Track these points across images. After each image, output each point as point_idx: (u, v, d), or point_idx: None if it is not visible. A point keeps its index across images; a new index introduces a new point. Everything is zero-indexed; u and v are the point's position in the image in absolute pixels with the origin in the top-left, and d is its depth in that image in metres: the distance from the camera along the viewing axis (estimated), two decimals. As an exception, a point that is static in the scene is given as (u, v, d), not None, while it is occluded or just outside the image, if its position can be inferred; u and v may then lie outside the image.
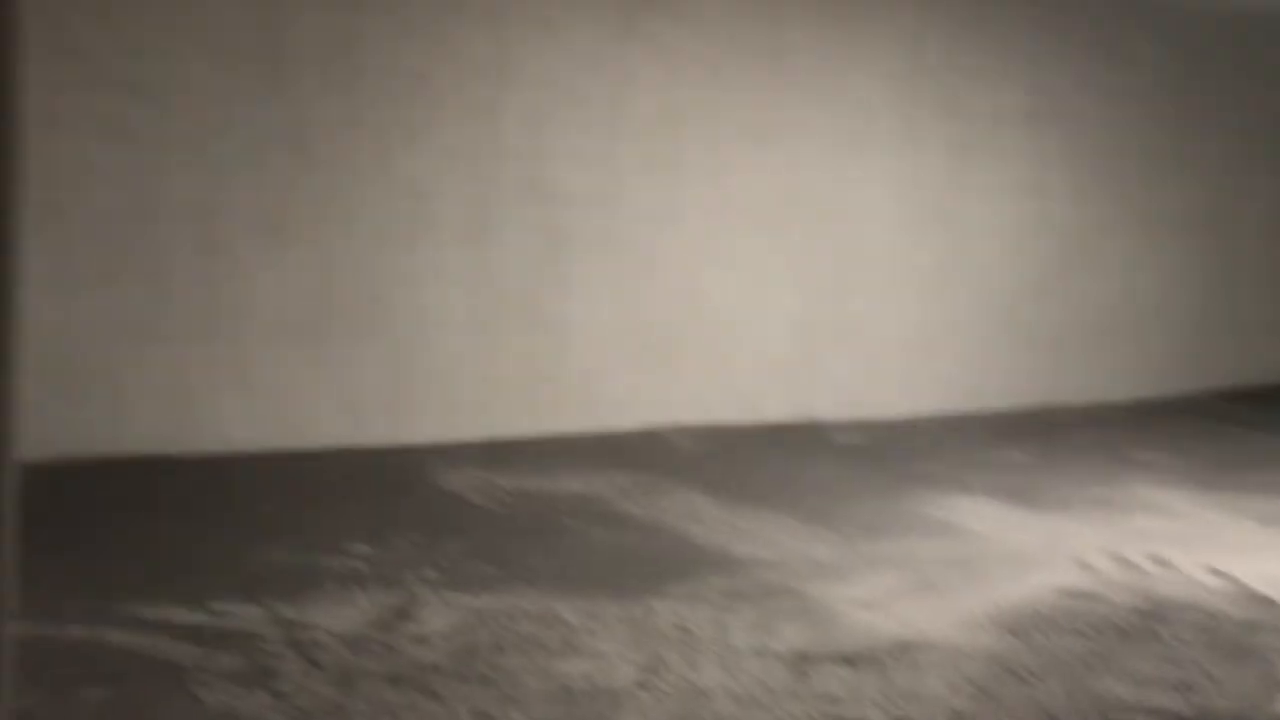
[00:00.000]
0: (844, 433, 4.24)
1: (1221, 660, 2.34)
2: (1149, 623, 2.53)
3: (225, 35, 3.42)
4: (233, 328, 3.50)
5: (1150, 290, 5.18)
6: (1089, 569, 2.88)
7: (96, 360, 3.35)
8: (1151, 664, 2.31)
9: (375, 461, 3.58)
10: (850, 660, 2.26)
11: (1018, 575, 2.82)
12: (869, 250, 4.48)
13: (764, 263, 4.26)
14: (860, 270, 4.46)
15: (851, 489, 3.54)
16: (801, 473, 3.72)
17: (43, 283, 3.21)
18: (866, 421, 4.38)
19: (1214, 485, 3.74)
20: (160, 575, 2.56)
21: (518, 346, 3.87)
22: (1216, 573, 2.86)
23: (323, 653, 2.19)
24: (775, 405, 4.29)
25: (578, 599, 2.51)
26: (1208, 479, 3.81)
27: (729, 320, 4.22)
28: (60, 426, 3.23)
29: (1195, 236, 5.28)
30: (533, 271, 3.87)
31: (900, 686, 2.16)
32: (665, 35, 4.00)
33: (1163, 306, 5.22)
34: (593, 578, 2.67)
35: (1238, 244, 5.42)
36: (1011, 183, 4.76)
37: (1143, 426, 4.64)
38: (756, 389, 4.27)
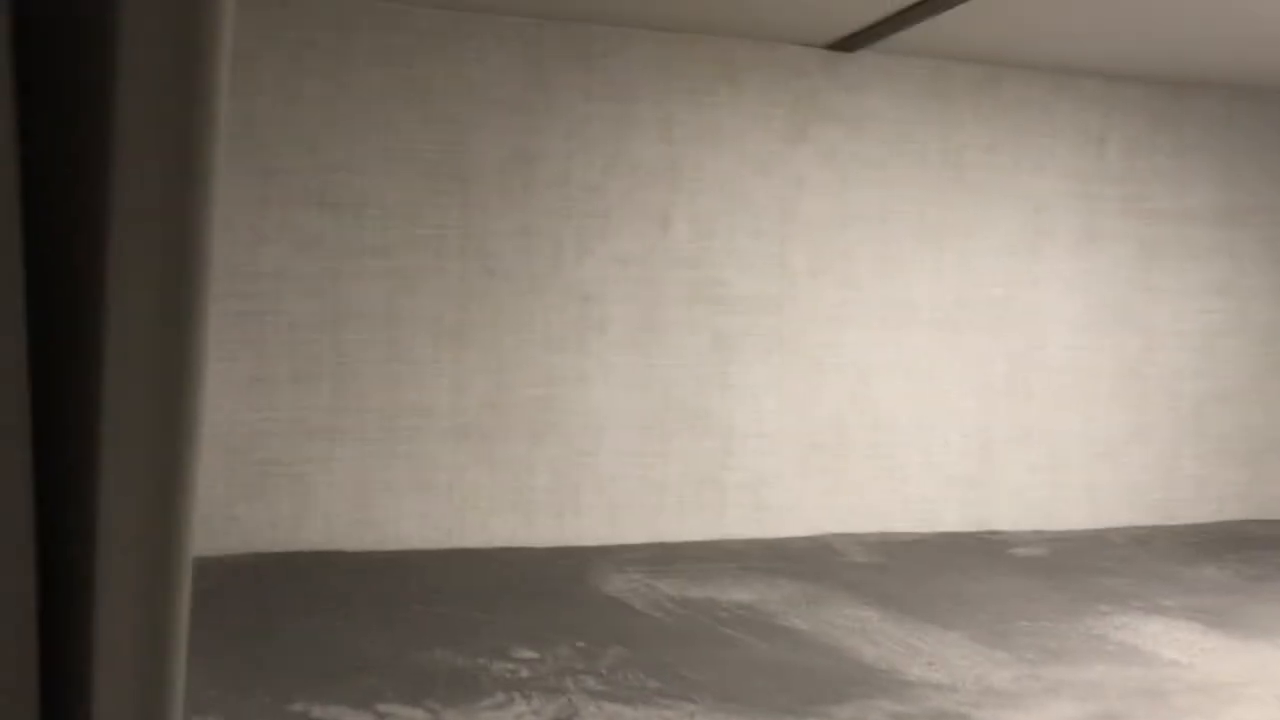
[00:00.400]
0: (1024, 545, 4.06)
1: None
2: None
3: (414, 153, 3.60)
4: (412, 428, 3.62)
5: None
6: (1296, 706, 2.66)
7: (286, 458, 3.51)
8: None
9: (542, 561, 3.62)
10: (1027, 798, 2.13)
11: (1214, 710, 2.62)
12: (1048, 354, 4.33)
13: (938, 366, 4.17)
14: (1040, 374, 4.31)
15: (1031, 606, 3.38)
16: (978, 587, 3.57)
17: (240, 385, 3.41)
18: (1048, 533, 4.19)
19: None
20: (333, 673, 2.63)
21: (684, 449, 3.87)
22: None
23: (483, 761, 2.19)
24: (950, 514, 4.16)
25: (738, 717, 2.46)
26: None
27: (902, 425, 4.13)
28: (248, 522, 3.39)
29: None
30: (700, 374, 3.89)
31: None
32: (835, 139, 4.01)
33: (1377, 415, 4.86)
34: (754, 694, 2.61)
35: None
36: (1201, 283, 4.55)
37: (1356, 545, 4.30)
38: (930, 497, 4.15)
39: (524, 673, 2.68)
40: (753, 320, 3.93)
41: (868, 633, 3.09)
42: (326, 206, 3.53)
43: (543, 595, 3.37)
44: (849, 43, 3.89)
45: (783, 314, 3.97)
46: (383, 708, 2.42)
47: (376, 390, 3.61)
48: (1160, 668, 2.90)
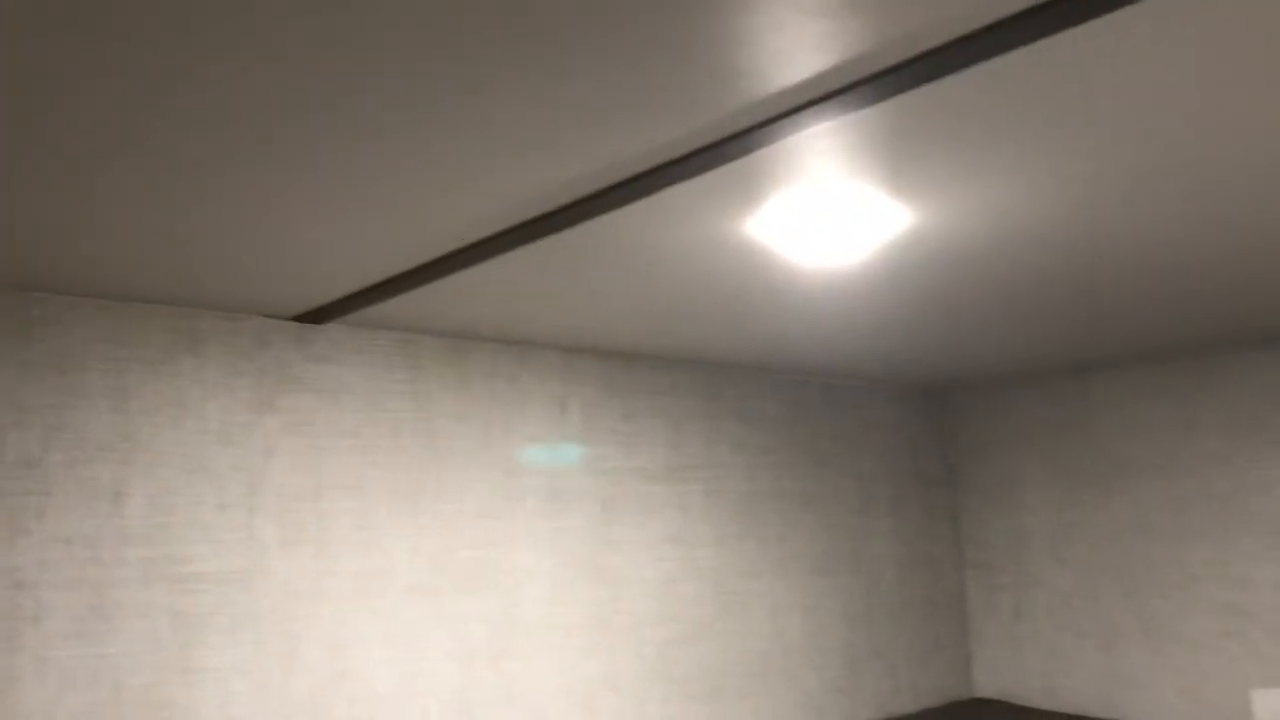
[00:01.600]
0: (508, 809, 4.03)
1: None
2: None
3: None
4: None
5: (798, 631, 5.43)
6: None
7: None
8: None
9: None
10: None
11: None
12: (525, 611, 4.47)
13: (418, 632, 4.14)
14: (518, 633, 4.42)
15: None
16: None
17: None
18: (531, 793, 4.20)
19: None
20: None
21: (140, 749, 3.49)
22: None
23: None
24: (434, 786, 4.05)
25: None
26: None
27: (383, 696, 4.02)
28: None
29: (833, 576, 5.65)
30: (158, 661, 3.57)
31: None
32: (306, 409, 4.00)
33: (811, 646, 5.47)
34: None
35: (872, 580, 5.84)
36: (657, 535, 4.96)
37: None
38: (413, 770, 4.03)
39: None
40: (219, 598, 3.71)
41: None
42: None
43: None
44: (317, 315, 3.95)
45: (253, 590, 3.79)
46: None
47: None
48: None
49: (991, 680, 6.24)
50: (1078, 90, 2.21)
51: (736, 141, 2.40)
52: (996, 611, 6.26)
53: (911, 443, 6.26)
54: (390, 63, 1.97)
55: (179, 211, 2.74)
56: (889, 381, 6.10)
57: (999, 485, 6.33)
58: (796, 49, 2.01)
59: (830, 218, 2.80)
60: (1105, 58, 2.07)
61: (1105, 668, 5.74)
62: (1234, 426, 5.36)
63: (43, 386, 3.47)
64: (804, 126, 2.32)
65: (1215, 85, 2.21)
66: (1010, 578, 6.22)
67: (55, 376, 3.49)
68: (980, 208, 2.91)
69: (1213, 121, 2.39)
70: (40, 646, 3.36)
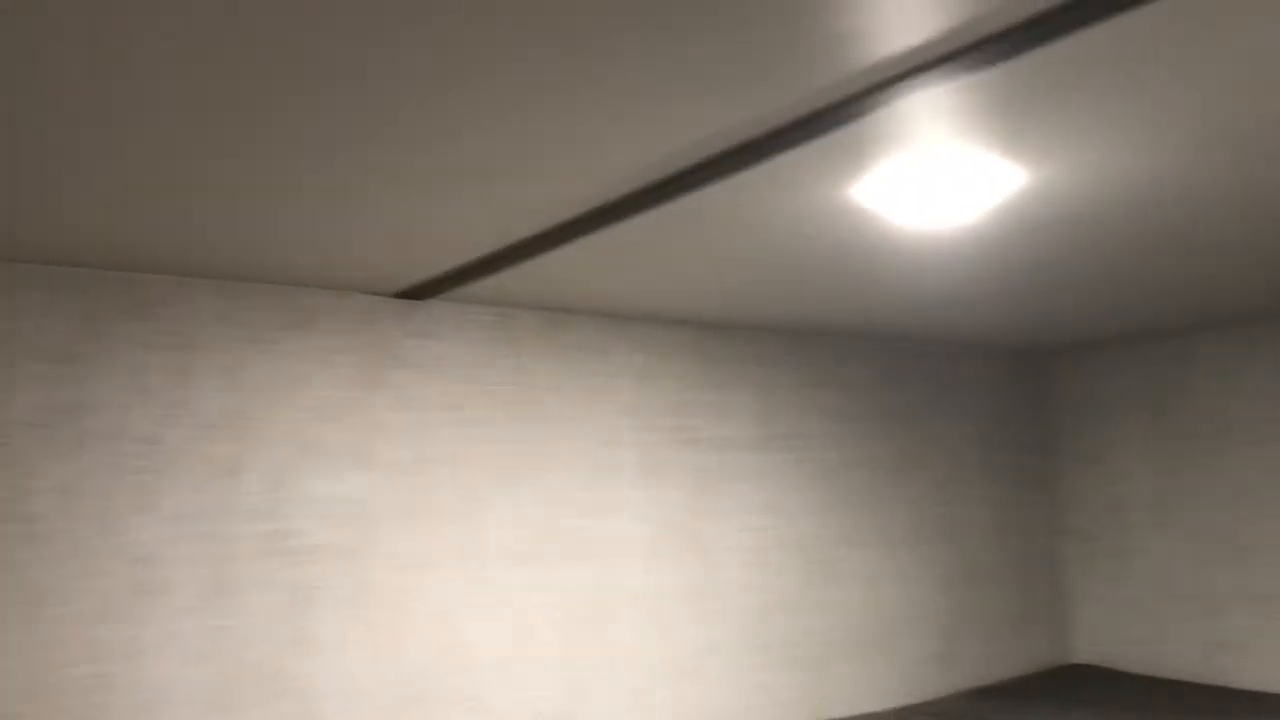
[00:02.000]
0: (614, 775, 4.09)
1: None
2: None
3: None
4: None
5: (893, 599, 5.41)
6: None
7: None
8: None
9: None
10: None
11: None
12: (626, 579, 4.51)
13: (521, 601, 4.21)
14: (620, 600, 4.47)
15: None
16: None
17: None
18: (636, 759, 4.26)
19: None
20: None
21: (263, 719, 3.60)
22: None
23: None
24: (541, 752, 4.13)
25: None
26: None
27: (489, 664, 4.09)
28: None
29: (929, 545, 5.61)
30: (274, 634, 3.67)
31: None
32: (408, 384, 4.06)
33: (907, 614, 5.45)
34: None
35: (966, 547, 5.79)
36: (749, 504, 4.97)
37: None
38: (521, 736, 4.10)
39: None
40: (332, 571, 3.80)
41: None
42: None
43: None
44: (419, 291, 4.01)
45: (364, 562, 3.87)
46: None
47: None
48: None
49: (1089, 646, 6.17)
50: (1198, 46, 2.16)
51: (848, 107, 2.37)
52: (1094, 577, 6.18)
53: (1004, 408, 6.18)
54: (512, 45, 1.99)
55: (291, 192, 2.79)
56: (982, 345, 6.03)
57: (1096, 450, 6.23)
58: (916, 11, 1.98)
59: (942, 181, 2.76)
60: (1228, 11, 2.01)
61: (1207, 633, 5.64)
62: (1343, 386, 5.21)
63: (162, 366, 3.57)
64: (918, 89, 2.29)
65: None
66: (1108, 544, 6.13)
67: (173, 356, 3.59)
68: (1095, 167, 2.86)
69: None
70: (165, 619, 3.48)
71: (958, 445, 5.88)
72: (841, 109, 2.39)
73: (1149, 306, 5.00)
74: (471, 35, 1.96)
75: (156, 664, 3.46)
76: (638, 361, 4.72)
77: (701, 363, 4.93)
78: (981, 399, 6.08)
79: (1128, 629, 6.02)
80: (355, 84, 2.14)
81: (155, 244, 3.25)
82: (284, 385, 3.80)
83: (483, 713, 4.05)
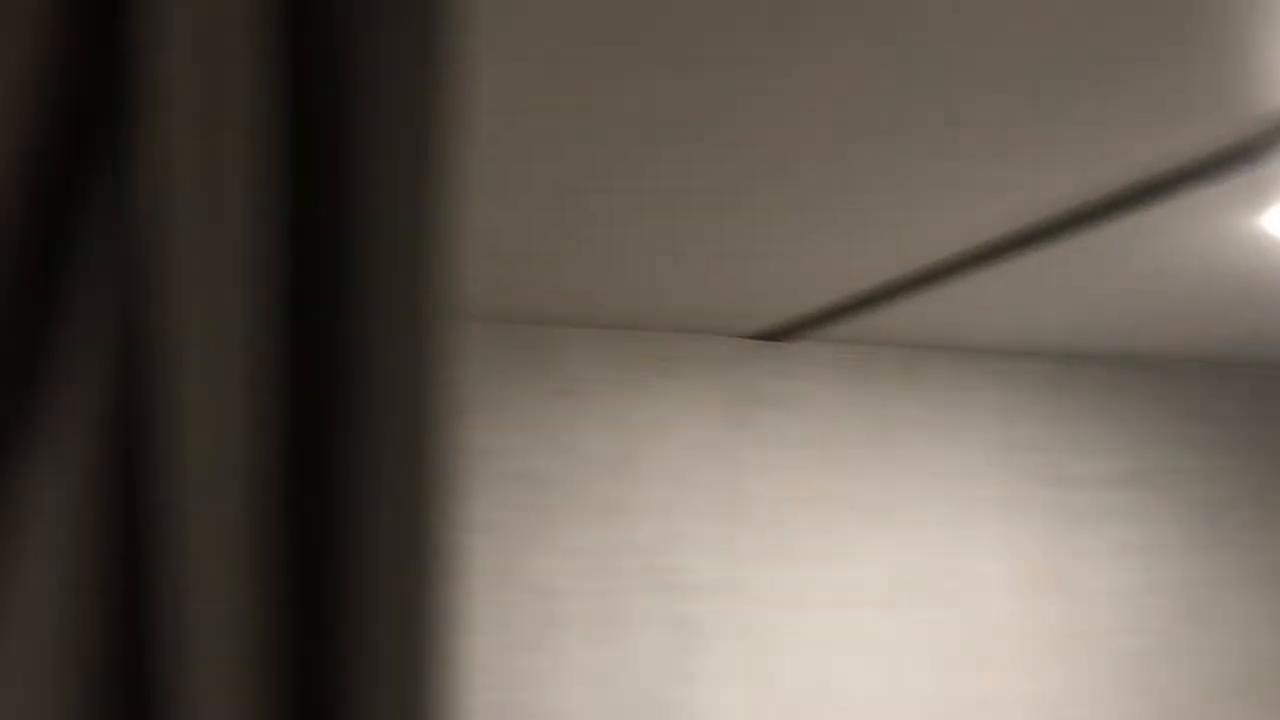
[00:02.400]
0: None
1: None
2: None
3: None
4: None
5: (1275, 647, 5.02)
6: None
7: None
8: None
9: None
10: None
11: None
12: (990, 620, 4.42)
13: (890, 640, 4.21)
14: (986, 640, 4.39)
15: None
16: None
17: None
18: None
19: None
20: None
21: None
22: None
23: None
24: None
25: None
26: None
27: (861, 703, 4.12)
28: None
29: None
30: (661, 664, 3.85)
31: None
32: (772, 424, 4.18)
33: (1296, 662, 5.04)
34: None
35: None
36: (1116, 544, 4.75)
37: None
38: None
39: None
40: (711, 606, 3.95)
41: None
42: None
43: None
44: (779, 333, 4.12)
45: (740, 599, 4.00)
46: None
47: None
48: None
49: None
50: None
51: (1264, 143, 2.28)
52: None
53: (1399, 438, 5.60)
54: (929, 88, 2.04)
55: (665, 242, 2.95)
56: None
57: None
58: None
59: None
60: None
61: None
62: None
63: (555, 410, 3.85)
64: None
65: None
66: None
67: (564, 400, 3.87)
68: None
69: None
70: (557, 649, 3.73)
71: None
72: (1257, 145, 2.29)
73: None
74: (894, 82, 2.03)
75: (549, 691, 3.71)
76: (995, 396, 4.63)
77: (1063, 397, 4.78)
78: (1372, 429, 5.55)
79: None
80: (767, 131, 2.25)
81: (543, 296, 3.52)
82: (659, 427, 4.00)
83: (853, 750, 4.08)
